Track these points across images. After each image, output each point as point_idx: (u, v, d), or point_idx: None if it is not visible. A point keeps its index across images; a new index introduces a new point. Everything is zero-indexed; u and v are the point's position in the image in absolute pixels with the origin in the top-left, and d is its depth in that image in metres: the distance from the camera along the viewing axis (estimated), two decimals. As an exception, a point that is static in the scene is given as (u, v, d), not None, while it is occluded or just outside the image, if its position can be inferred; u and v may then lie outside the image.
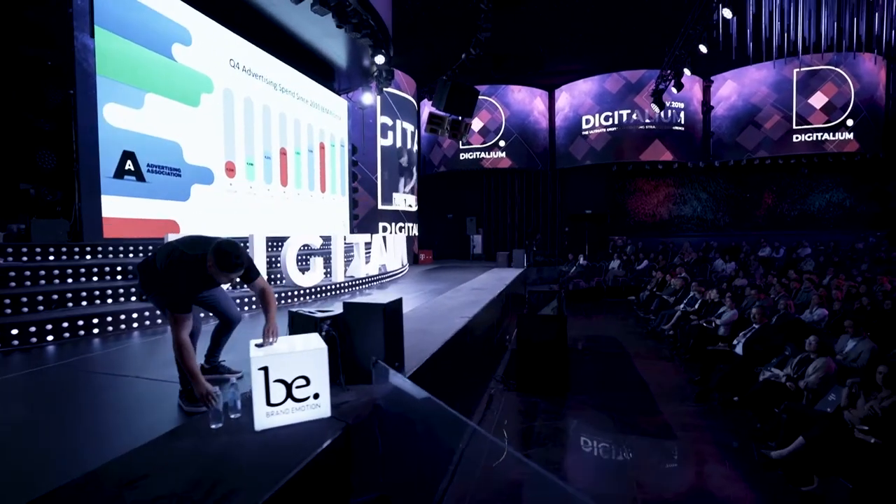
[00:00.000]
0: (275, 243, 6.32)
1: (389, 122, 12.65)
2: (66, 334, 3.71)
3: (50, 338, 3.62)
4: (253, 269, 2.47)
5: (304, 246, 5.79)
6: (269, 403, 1.96)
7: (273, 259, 5.97)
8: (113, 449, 1.80)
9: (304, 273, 5.75)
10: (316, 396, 2.05)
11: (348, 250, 7.26)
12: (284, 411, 1.99)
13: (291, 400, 2.00)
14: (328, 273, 6.52)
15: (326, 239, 6.58)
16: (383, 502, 2.03)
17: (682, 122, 15.05)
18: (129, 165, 5.23)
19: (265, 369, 1.96)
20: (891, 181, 14.23)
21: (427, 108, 13.02)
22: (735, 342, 5.38)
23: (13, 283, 3.94)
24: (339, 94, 10.81)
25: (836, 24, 12.11)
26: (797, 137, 13.96)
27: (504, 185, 17.56)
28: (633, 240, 15.89)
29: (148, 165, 5.49)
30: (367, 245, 7.54)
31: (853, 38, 12.36)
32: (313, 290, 5.78)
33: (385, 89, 10.73)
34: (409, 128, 13.59)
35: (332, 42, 8.53)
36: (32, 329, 3.52)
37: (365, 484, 2.08)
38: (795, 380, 4.14)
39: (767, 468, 3.58)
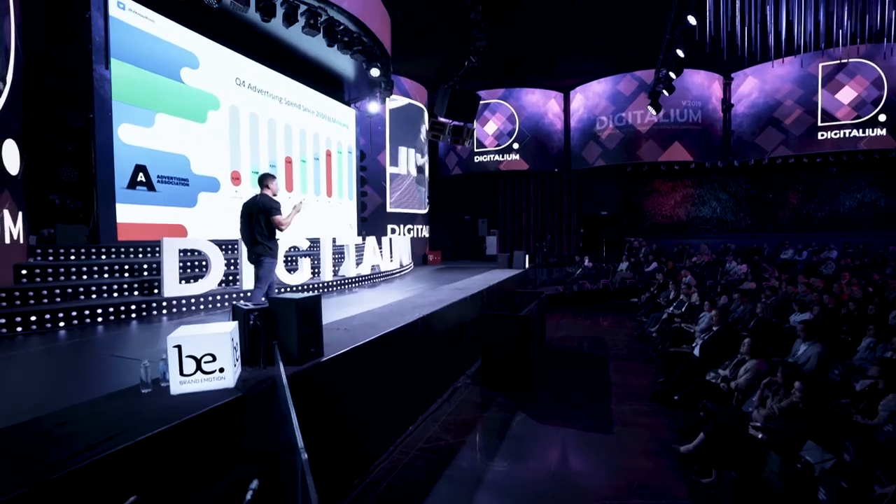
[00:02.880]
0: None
1: (398, 128, 13.20)
2: (76, 322, 4.45)
3: (62, 324, 4.37)
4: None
5: (291, 248, 6.40)
6: (181, 374, 2.48)
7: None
8: (58, 404, 2.36)
9: (291, 273, 6.36)
10: (221, 370, 2.55)
11: (339, 252, 7.84)
12: (195, 381, 2.50)
13: (201, 372, 2.51)
14: (317, 272, 7.12)
15: (315, 241, 7.18)
16: (271, 458, 2.50)
17: (700, 120, 14.70)
18: (140, 177, 6.03)
19: (179, 347, 2.48)
20: (931, 180, 13.29)
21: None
22: (694, 344, 5.48)
23: (38, 279, 4.74)
24: (350, 104, 11.48)
25: (860, 14, 11.47)
26: (822, 135, 13.32)
27: (519, 187, 17.76)
28: (650, 242, 15.65)
29: (158, 177, 6.27)
30: (359, 247, 8.10)
31: (886, 29, 11.65)
32: (300, 287, 6.37)
33: (393, 97, 11.31)
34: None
35: (338, 56, 9.11)
36: (47, 316, 4.27)
37: (261, 444, 2.56)
38: (728, 381, 4.27)
39: (686, 463, 3.77)
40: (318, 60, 9.38)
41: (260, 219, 4.19)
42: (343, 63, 9.67)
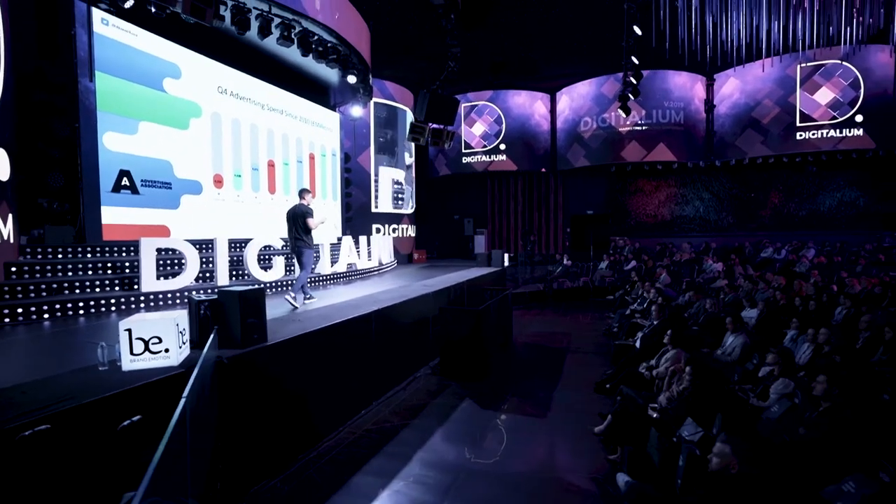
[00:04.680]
0: (242, 244, 7.43)
1: (382, 131, 13.62)
2: (59, 314, 4.90)
3: (46, 316, 4.82)
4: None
5: (265, 247, 6.82)
6: (131, 353, 2.90)
7: (238, 259, 7.08)
8: (25, 379, 2.79)
9: (265, 270, 6.79)
10: (166, 351, 2.97)
11: (315, 250, 8.25)
12: (143, 359, 2.92)
13: (148, 352, 2.93)
14: (290, 270, 7.55)
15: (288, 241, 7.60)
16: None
17: (682, 121, 14.99)
18: (125, 181, 6.47)
19: (129, 330, 2.90)
20: (907, 179, 13.51)
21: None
22: (635, 337, 5.84)
23: (27, 276, 5.19)
24: (335, 108, 11.90)
25: (841, 16, 11.72)
26: (801, 135, 13.58)
27: (507, 188, 18.13)
28: (634, 240, 15.96)
29: (142, 181, 6.72)
30: (335, 246, 8.52)
31: (864, 31, 11.89)
32: (274, 284, 6.80)
33: (377, 100, 11.71)
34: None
35: (320, 64, 9.55)
36: (33, 309, 4.73)
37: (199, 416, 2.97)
38: (652, 369, 4.63)
39: (605, 442, 4.15)
40: (301, 68, 9.80)
41: (299, 221, 5.58)
42: (325, 70, 10.06)
